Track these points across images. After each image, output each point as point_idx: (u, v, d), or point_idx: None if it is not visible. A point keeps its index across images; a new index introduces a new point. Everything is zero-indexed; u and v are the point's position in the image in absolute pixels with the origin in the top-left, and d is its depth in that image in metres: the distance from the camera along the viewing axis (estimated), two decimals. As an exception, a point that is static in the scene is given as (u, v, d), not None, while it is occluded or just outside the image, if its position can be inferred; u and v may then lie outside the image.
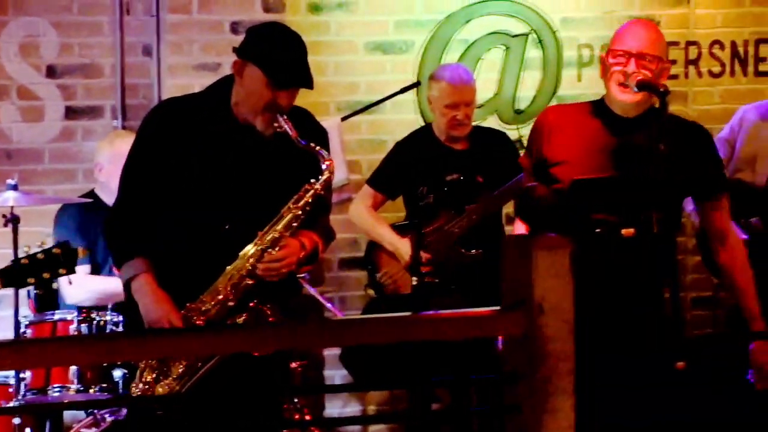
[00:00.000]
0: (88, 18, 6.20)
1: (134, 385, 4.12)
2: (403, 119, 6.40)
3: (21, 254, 4.47)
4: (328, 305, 5.51)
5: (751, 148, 5.17)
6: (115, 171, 5.34)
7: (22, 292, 5.06)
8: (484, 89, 6.36)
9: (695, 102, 6.61)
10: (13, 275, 4.08)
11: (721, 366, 4.89)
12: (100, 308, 4.96)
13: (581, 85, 6.56)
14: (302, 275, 4.78)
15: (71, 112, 6.19)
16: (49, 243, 5.54)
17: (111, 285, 5.10)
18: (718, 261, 4.38)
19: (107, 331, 4.83)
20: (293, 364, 5.01)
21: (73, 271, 4.23)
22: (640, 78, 4.45)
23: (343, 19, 6.41)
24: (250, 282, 4.09)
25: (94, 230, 5.30)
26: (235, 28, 6.20)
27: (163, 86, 6.17)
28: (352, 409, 6.42)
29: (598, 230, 4.05)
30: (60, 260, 4.10)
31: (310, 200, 4.11)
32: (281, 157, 4.15)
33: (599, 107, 4.43)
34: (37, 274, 4.04)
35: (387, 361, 4.18)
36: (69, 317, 4.88)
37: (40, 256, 4.12)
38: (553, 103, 6.51)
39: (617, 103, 4.36)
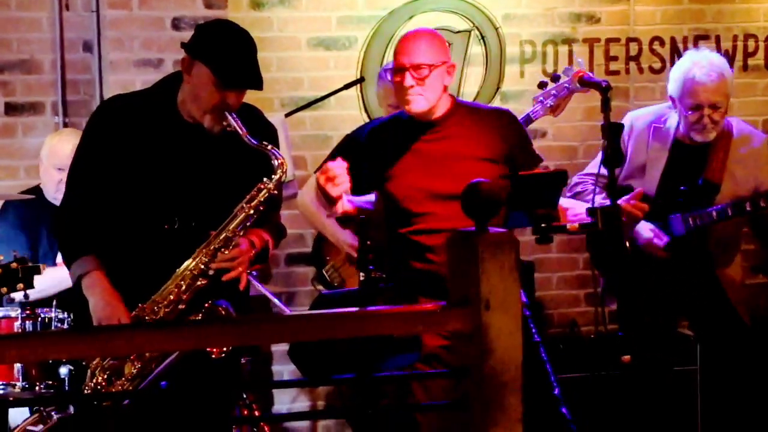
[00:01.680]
0: (27, 14, 6.18)
1: (85, 386, 4.11)
2: (347, 115, 6.45)
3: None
4: (276, 301, 5.54)
5: (641, 157, 5.29)
6: (48, 169, 5.36)
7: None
8: (427, 85, 6.42)
9: (637, 98, 6.72)
10: None
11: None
12: (45, 304, 4.94)
13: (524, 81, 6.65)
14: (250, 272, 4.80)
15: (11, 109, 6.17)
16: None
17: (54, 275, 5.09)
18: None
19: (53, 327, 4.80)
20: (241, 360, 5.03)
21: (31, 286, 4.24)
22: (582, 74, 4.61)
23: (285, 15, 6.44)
24: (203, 282, 4.10)
25: (38, 225, 5.30)
26: (176, 24, 6.20)
27: (105, 82, 6.16)
28: (301, 404, 6.45)
29: (543, 225, 4.14)
30: (18, 275, 4.10)
31: (263, 199, 4.12)
32: (229, 156, 4.16)
33: (407, 120, 4.62)
34: None
35: (335, 356, 4.23)
36: (13, 314, 4.85)
37: None
38: (497, 98, 6.60)
39: (414, 114, 4.56)
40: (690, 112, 5.16)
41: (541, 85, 5.35)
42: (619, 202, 4.63)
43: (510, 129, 4.65)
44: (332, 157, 5.01)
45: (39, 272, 4.33)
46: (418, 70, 4.50)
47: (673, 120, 5.27)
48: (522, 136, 4.71)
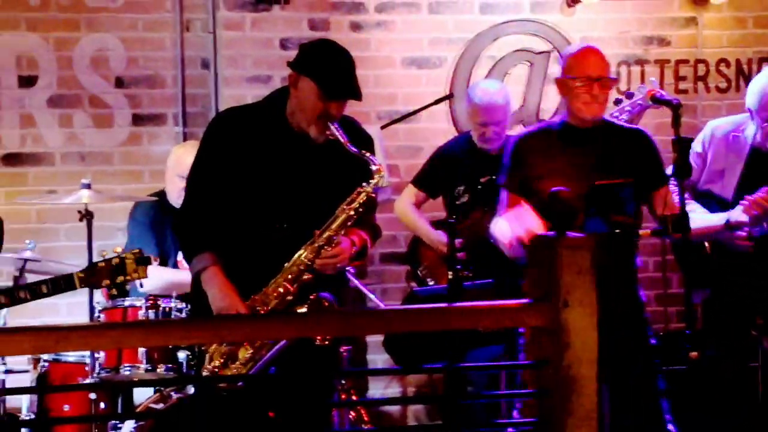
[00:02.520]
0: (152, 34, 6.28)
1: (203, 368, 4.13)
2: (437, 128, 6.46)
3: (96, 255, 4.56)
4: (372, 296, 5.55)
5: (719, 163, 5.21)
6: (173, 177, 5.44)
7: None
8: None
9: (704, 114, 6.64)
10: (90, 277, 4.16)
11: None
12: (166, 296, 5.03)
13: (598, 98, 6.61)
14: (349, 269, 4.83)
15: (137, 119, 6.28)
16: (121, 236, 5.69)
17: (178, 277, 5.19)
18: None
19: (172, 317, 4.87)
20: (340, 348, 5.06)
21: (145, 276, 4.30)
22: (654, 92, 4.63)
23: (381, 37, 6.48)
24: (308, 276, 4.13)
25: (163, 224, 5.39)
26: (284, 44, 6.27)
27: (220, 96, 6.25)
28: (393, 390, 6.47)
29: (617, 231, 4.13)
30: (134, 266, 4.17)
31: (362, 202, 4.15)
32: (332, 162, 4.19)
33: (560, 129, 4.65)
34: (112, 277, 4.12)
35: (426, 347, 4.25)
36: (138, 304, 4.92)
37: (115, 261, 4.20)
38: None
39: (581, 119, 4.60)
40: (766, 124, 5.09)
41: (617, 102, 5.32)
42: (750, 197, 4.73)
43: (649, 150, 4.71)
44: (427, 167, 5.03)
45: (149, 263, 4.40)
46: (606, 82, 4.61)
47: (750, 129, 5.20)
48: (657, 158, 4.74)
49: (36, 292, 3.73)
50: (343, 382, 5.15)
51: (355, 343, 6.01)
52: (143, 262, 4.35)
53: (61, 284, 3.93)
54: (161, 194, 5.52)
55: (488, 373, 5.00)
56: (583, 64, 4.62)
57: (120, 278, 4.35)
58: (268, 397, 4.11)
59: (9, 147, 6.08)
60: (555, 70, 6.61)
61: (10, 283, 5.31)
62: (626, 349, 4.37)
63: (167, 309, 4.91)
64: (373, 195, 4.19)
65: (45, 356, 5.02)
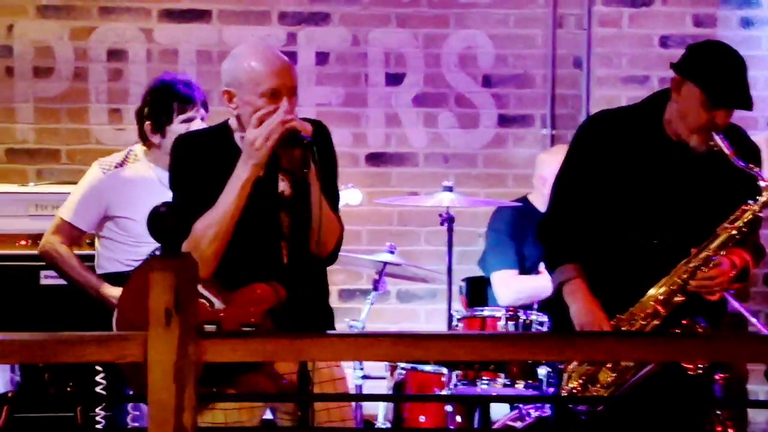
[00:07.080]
0: (523, 31, 6.33)
1: (561, 389, 4.12)
2: (837, 136, 6.16)
3: (456, 259, 4.63)
4: (754, 320, 5.36)
5: None
6: (538, 181, 5.45)
7: (454, 287, 5.27)
8: None
9: None
10: None
11: None
12: (527, 307, 5.06)
13: None
14: (729, 291, 4.69)
15: (503, 120, 6.33)
16: (481, 242, 5.76)
17: (536, 283, 5.21)
18: None
19: (532, 330, 4.88)
20: (716, 376, 4.91)
21: None
22: None
23: (776, 33, 6.25)
24: (681, 298, 4.03)
25: (523, 232, 5.43)
26: (664, 42, 6.16)
27: (591, 97, 6.22)
28: (778, 424, 6.25)
29: None
30: None
31: (746, 220, 4.00)
32: (713, 176, 4.06)
33: None
34: None
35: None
36: (497, 314, 4.96)
37: None
38: None
39: None
40: None
41: None
42: None
43: None
44: None
45: None
46: None
47: None
48: None
49: None
50: (719, 412, 4.99)
51: (733, 371, 5.80)
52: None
53: None
54: (524, 200, 5.56)
55: None
56: None
57: None
58: (630, 422, 4.04)
59: (374, 146, 6.29)
60: None
61: (370, 287, 5.51)
62: None
63: (527, 321, 4.92)
64: (761, 214, 4.01)
65: (402, 364, 5.16)
